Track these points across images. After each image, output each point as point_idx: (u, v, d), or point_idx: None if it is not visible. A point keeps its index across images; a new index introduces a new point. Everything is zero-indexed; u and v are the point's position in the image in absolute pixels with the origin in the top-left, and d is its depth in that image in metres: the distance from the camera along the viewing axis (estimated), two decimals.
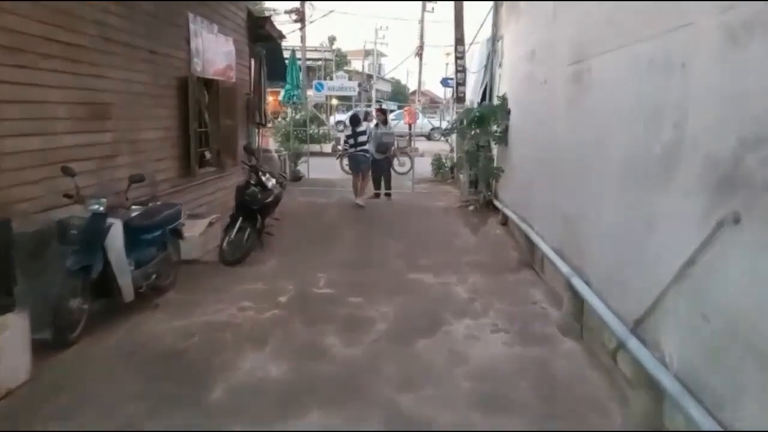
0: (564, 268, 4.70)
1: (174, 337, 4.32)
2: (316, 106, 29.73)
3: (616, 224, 3.86)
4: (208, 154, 8.16)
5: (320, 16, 41.93)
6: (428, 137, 23.84)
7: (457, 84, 11.44)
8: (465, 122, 9.41)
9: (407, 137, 18.04)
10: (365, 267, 6.33)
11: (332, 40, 49.97)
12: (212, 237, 6.65)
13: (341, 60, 48.68)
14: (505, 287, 5.71)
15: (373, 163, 10.26)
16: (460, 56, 11.35)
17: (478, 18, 16.50)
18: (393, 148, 10.87)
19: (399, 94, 54.83)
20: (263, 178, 6.54)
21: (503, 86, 9.37)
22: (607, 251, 4.00)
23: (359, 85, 43.30)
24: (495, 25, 10.27)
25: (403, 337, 4.40)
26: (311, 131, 18.17)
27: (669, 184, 3.07)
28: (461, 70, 11.39)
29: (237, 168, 8.85)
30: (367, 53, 54.96)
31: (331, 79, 23.59)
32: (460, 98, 11.44)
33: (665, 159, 3.14)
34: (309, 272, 6.02)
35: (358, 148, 10.04)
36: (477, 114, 9.00)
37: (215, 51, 8.02)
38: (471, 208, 9.46)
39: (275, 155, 10.71)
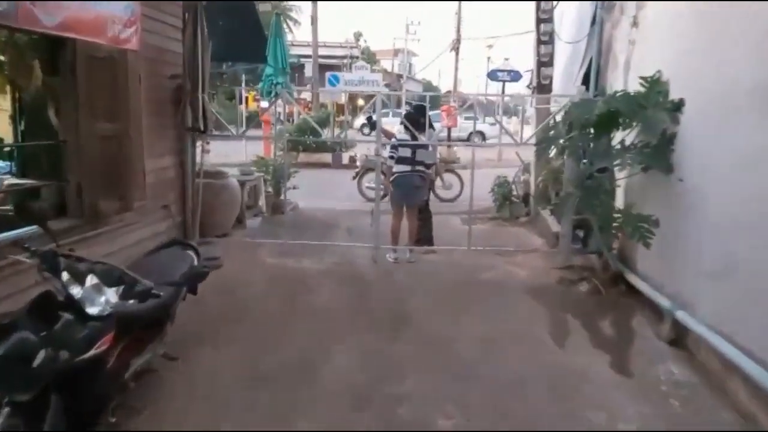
0: None
1: None
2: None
3: None
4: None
5: None
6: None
7: (540, 64, 7.01)
8: (572, 127, 4.99)
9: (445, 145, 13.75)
10: None
11: (358, 36, 45.96)
12: None
13: (369, 59, 44.58)
14: None
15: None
16: (545, 17, 6.93)
17: None
18: (435, 167, 6.53)
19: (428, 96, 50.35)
20: (75, 292, 2.27)
21: (649, 61, 4.94)
22: None
23: (386, 85, 39.13)
24: None
25: None
26: (323, 137, 13.99)
27: None
28: (547, 40, 6.96)
29: (136, 215, 4.67)
30: (397, 52, 50.83)
31: (349, 70, 19.39)
32: (543, 86, 7.03)
33: None
34: None
35: (416, 167, 5.87)
36: (604, 112, 4.56)
37: None
38: (584, 287, 5.04)
39: (233, 182, 6.39)
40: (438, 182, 9.53)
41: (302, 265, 5.56)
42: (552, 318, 4.46)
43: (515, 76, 18.22)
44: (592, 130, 4.91)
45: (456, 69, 34.31)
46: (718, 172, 3.67)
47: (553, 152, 6.59)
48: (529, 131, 6.63)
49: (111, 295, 2.38)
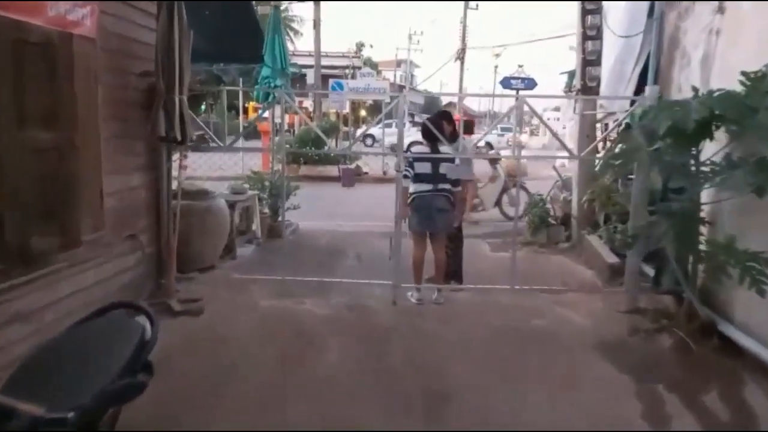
0: None
1: None
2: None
3: None
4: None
5: None
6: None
7: (585, 62, 5.96)
8: (654, 136, 3.90)
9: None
10: None
11: (360, 46, 45.05)
12: None
13: (372, 69, 43.58)
14: None
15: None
16: (592, 8, 5.89)
17: None
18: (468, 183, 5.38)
19: (432, 107, 49.60)
20: None
21: (743, 53, 3.89)
22: None
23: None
24: None
25: None
26: (327, 148, 13.02)
27: None
28: (594, 35, 5.91)
29: (90, 250, 3.59)
30: (400, 62, 50.11)
31: (353, 77, 18.43)
32: (589, 88, 5.97)
33: None
34: None
35: (439, 186, 4.76)
36: (704, 116, 3.48)
37: None
38: (666, 341, 3.92)
39: (220, 203, 5.25)
40: (504, 198, 8.88)
41: (304, 308, 4.43)
42: (639, 390, 3.34)
43: (529, 83, 17.28)
44: (666, 140, 3.84)
45: (461, 78, 33.42)
46: None
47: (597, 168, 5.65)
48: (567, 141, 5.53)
49: None
